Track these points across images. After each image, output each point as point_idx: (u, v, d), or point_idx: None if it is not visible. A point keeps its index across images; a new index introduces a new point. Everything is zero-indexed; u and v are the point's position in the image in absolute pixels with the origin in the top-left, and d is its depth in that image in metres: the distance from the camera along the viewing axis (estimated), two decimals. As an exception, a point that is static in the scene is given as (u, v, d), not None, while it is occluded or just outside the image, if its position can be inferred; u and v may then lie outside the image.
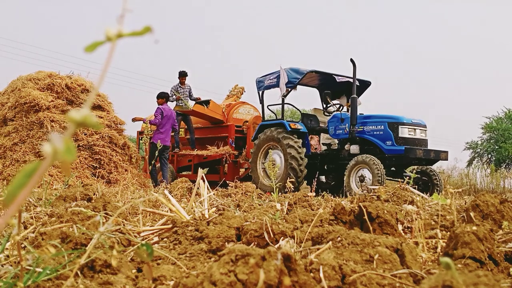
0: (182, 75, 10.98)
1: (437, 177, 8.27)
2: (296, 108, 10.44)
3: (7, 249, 1.50)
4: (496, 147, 21.47)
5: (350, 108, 8.66)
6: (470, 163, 22.18)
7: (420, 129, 8.41)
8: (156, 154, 7.89)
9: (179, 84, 11.02)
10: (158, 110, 9.51)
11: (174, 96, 10.89)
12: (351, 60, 8.56)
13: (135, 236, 1.84)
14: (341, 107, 9.41)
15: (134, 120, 10.31)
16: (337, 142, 9.17)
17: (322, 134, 9.86)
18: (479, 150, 22.67)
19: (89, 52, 0.56)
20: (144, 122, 10.04)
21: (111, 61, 0.56)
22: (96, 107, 10.59)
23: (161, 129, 9.43)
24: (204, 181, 2.65)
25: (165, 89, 11.18)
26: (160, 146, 7.04)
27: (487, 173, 14.51)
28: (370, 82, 9.83)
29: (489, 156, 21.97)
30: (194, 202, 2.45)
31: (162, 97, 9.76)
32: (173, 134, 11.23)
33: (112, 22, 0.56)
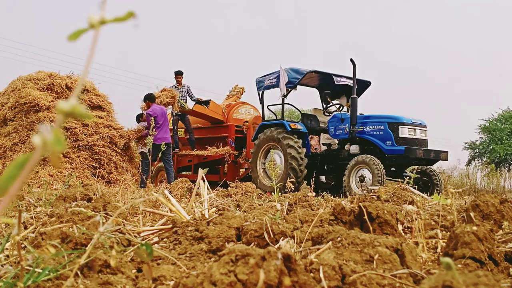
0: (178, 73, 10.94)
1: (437, 177, 8.28)
2: (296, 108, 10.44)
3: (7, 249, 1.50)
4: (490, 148, 21.63)
5: (350, 108, 8.66)
6: (469, 162, 22.30)
7: (420, 129, 8.41)
8: (159, 155, 7.82)
9: (176, 85, 10.98)
10: (147, 117, 9.37)
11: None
12: (351, 60, 8.56)
13: (135, 236, 1.84)
14: (341, 107, 9.41)
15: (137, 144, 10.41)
16: (337, 142, 9.17)
17: (322, 134, 9.86)
18: (477, 150, 22.79)
19: (73, 40, 0.56)
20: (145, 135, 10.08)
21: (96, 48, 0.55)
22: (96, 107, 10.59)
23: (158, 129, 9.27)
24: (204, 181, 2.65)
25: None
26: (164, 147, 6.98)
27: (486, 173, 14.55)
28: (370, 82, 9.83)
29: (488, 156, 22.08)
30: (194, 202, 2.45)
31: (147, 100, 9.62)
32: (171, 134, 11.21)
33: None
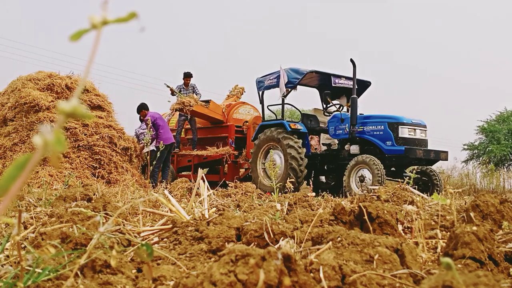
0: (186, 75, 10.98)
1: (437, 177, 8.28)
2: (296, 108, 10.44)
3: (7, 249, 1.50)
4: (488, 149, 21.68)
5: (350, 108, 8.66)
6: (467, 162, 22.39)
7: (420, 129, 8.41)
8: (158, 155, 7.90)
9: (183, 85, 11.04)
10: (147, 122, 9.58)
11: (176, 96, 10.94)
12: (351, 60, 8.56)
13: (135, 236, 1.84)
14: (341, 107, 9.42)
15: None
16: (337, 142, 9.18)
17: (322, 134, 9.86)
18: (476, 151, 22.84)
19: (75, 40, 0.56)
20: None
21: (97, 49, 0.55)
22: (96, 107, 10.58)
23: (161, 130, 9.48)
24: (204, 181, 2.65)
25: (164, 89, 11.37)
26: (162, 147, 7.05)
27: (485, 172, 14.56)
28: (370, 82, 9.83)
29: (488, 156, 22.11)
30: (194, 202, 2.45)
31: (142, 109, 9.96)
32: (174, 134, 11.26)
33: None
